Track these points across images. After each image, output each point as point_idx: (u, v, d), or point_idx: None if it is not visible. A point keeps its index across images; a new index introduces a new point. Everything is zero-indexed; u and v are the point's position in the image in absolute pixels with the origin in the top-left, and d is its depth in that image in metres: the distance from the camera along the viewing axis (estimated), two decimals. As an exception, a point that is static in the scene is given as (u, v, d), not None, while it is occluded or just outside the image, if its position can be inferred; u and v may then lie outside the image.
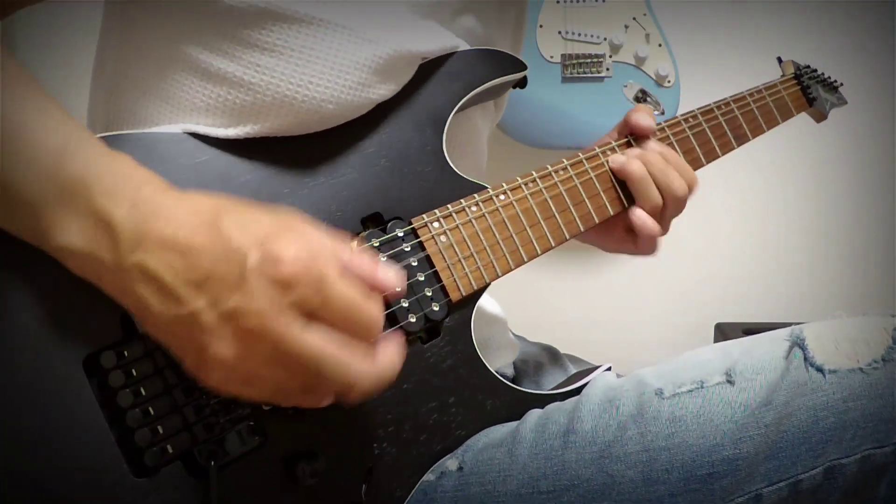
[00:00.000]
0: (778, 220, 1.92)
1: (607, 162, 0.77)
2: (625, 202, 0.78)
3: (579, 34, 1.65)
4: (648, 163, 0.76)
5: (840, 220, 1.92)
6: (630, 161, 0.76)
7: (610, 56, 1.64)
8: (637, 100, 1.63)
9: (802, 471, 0.58)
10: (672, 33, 1.66)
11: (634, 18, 1.65)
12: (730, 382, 0.61)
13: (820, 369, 0.59)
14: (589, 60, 1.64)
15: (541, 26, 1.64)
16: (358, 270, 0.53)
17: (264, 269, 0.50)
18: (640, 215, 0.76)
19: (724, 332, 1.80)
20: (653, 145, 0.79)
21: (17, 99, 0.53)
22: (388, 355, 0.54)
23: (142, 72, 0.65)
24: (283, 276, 0.49)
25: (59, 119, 0.53)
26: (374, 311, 0.53)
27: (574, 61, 1.64)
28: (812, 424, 0.58)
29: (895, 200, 1.90)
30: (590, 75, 1.64)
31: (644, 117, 0.79)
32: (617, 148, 0.79)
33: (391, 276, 0.54)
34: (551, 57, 1.64)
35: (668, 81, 1.64)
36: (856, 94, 1.85)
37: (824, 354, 0.60)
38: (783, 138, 1.86)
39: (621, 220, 0.79)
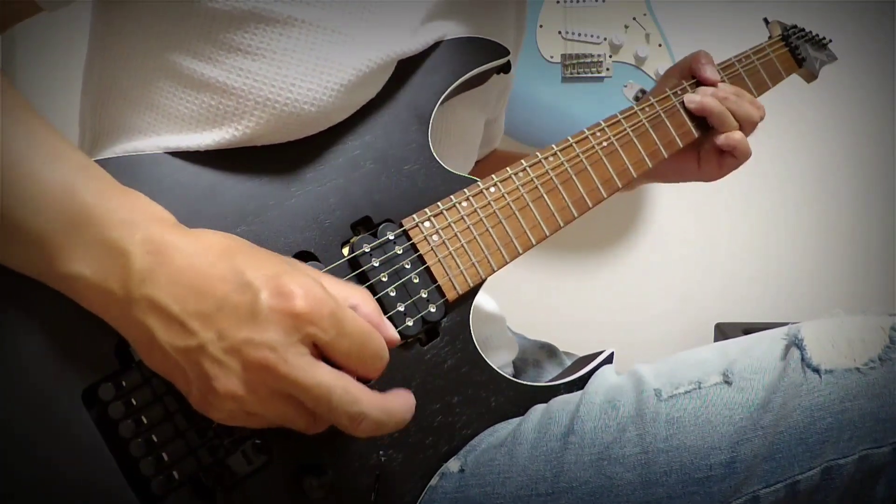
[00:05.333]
0: (778, 220, 1.92)
1: (679, 103, 0.84)
2: (632, 171, 0.77)
3: (579, 34, 1.65)
4: (723, 98, 0.84)
5: (840, 220, 1.92)
6: (705, 98, 0.83)
7: (610, 56, 1.64)
8: (637, 100, 1.63)
9: (800, 472, 0.57)
10: (672, 33, 1.66)
11: (634, 18, 1.65)
12: (727, 383, 0.61)
13: (816, 370, 0.59)
14: (589, 60, 1.64)
15: (541, 26, 1.64)
16: (364, 315, 0.54)
17: (277, 302, 0.50)
18: (729, 136, 0.84)
19: (724, 332, 1.80)
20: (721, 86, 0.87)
21: (17, 132, 0.53)
22: (400, 396, 0.54)
23: (126, 82, 0.64)
24: (296, 311, 0.50)
25: (62, 151, 0.54)
26: (383, 342, 0.54)
27: (574, 61, 1.64)
28: (809, 425, 0.57)
29: (895, 200, 1.90)
30: (590, 75, 1.64)
31: (712, 71, 0.87)
32: (606, 128, 0.77)
33: (393, 331, 0.56)
34: (551, 57, 1.64)
35: (668, 81, 1.64)
36: (856, 93, 1.86)
37: (821, 354, 0.60)
38: (783, 137, 1.86)
39: (689, 156, 0.87)
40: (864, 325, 0.61)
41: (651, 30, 1.65)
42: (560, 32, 1.64)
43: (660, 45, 1.65)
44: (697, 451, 0.59)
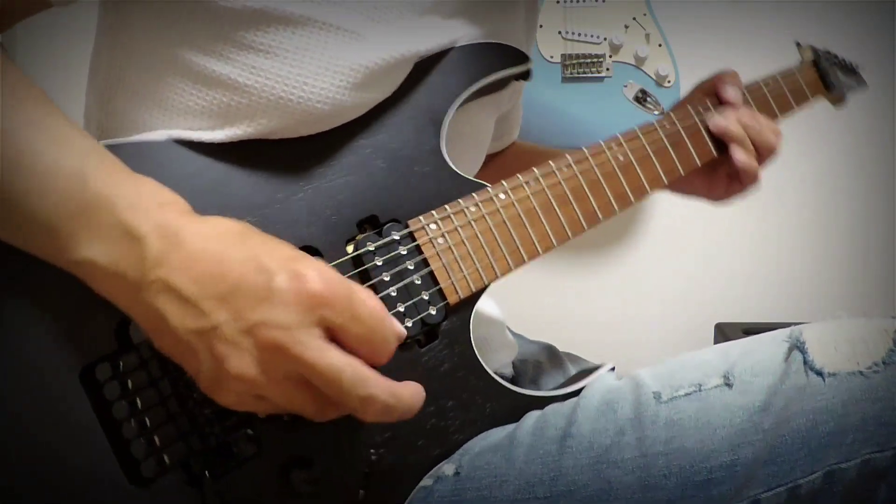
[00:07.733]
0: (778, 220, 1.92)
1: (702, 125, 0.84)
2: (647, 187, 0.76)
3: (579, 34, 1.65)
4: (745, 124, 0.85)
5: (840, 220, 1.92)
6: (729, 122, 0.84)
7: (610, 56, 1.64)
8: (637, 100, 1.63)
9: (801, 476, 0.57)
10: (672, 33, 1.66)
11: (634, 18, 1.65)
12: (728, 385, 0.60)
13: (819, 373, 0.58)
14: (589, 60, 1.64)
15: (541, 26, 1.64)
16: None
17: (293, 284, 0.50)
18: (740, 157, 0.84)
19: (724, 332, 1.79)
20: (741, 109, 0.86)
21: (27, 120, 0.53)
22: (409, 385, 0.54)
23: (135, 76, 0.64)
24: (312, 292, 0.50)
25: (72, 138, 0.54)
26: (393, 328, 0.54)
27: (574, 61, 1.64)
28: (811, 429, 0.57)
29: (895, 200, 1.90)
30: (590, 75, 1.64)
31: (734, 92, 0.86)
32: (624, 143, 0.76)
33: (399, 326, 0.56)
34: (551, 57, 1.64)
35: (668, 81, 1.64)
36: (856, 93, 1.85)
37: (824, 357, 0.59)
38: (783, 137, 1.86)
39: (701, 175, 0.87)
40: (868, 328, 0.60)
41: (651, 30, 1.65)
42: (560, 32, 1.64)
43: (660, 45, 1.65)
44: (697, 454, 0.58)
